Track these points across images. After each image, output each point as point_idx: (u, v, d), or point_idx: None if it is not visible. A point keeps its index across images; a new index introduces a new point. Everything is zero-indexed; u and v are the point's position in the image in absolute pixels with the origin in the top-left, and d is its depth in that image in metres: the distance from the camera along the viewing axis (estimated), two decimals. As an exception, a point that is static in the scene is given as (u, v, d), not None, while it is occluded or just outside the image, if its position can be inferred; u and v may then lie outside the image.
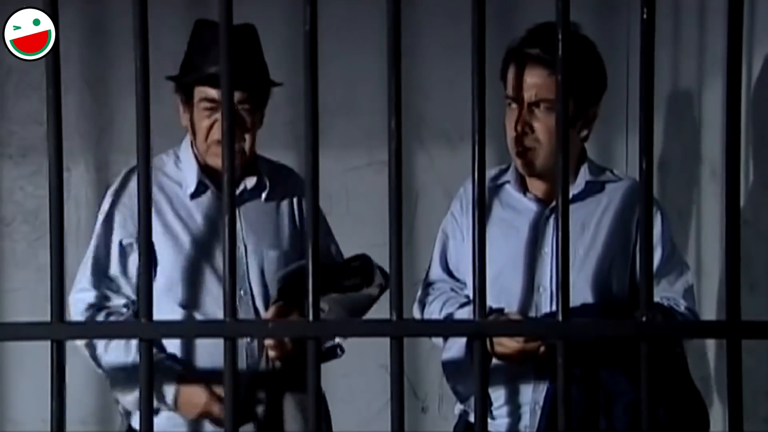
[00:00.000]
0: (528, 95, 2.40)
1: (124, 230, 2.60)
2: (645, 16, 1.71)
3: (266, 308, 2.57)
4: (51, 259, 1.72)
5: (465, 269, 2.56)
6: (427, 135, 3.96)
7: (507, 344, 2.33)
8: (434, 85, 3.87)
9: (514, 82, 2.42)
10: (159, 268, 2.57)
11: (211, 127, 2.55)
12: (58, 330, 1.71)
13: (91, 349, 2.57)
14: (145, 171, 1.72)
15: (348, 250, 2.77)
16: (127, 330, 1.92)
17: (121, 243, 2.60)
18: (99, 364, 2.59)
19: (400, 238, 1.72)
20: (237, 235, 2.54)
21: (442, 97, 3.86)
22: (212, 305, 2.55)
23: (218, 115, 2.47)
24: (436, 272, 2.63)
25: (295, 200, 2.70)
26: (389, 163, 1.71)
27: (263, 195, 2.67)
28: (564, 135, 1.72)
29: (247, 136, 2.57)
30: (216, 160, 2.53)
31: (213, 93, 2.51)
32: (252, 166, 2.66)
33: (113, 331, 2.02)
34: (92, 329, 2.05)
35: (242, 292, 2.60)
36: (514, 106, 2.42)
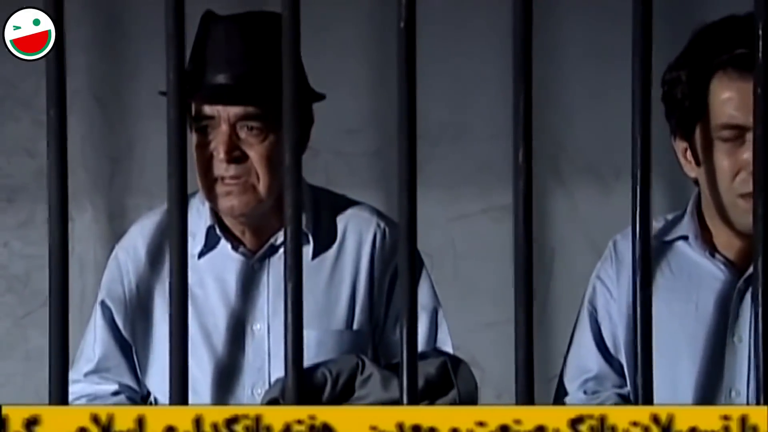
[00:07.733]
0: None
1: (108, 289, 2.62)
2: None
3: None
4: (50, 343, 1.75)
5: (625, 357, 2.54)
6: (568, 170, 3.96)
7: None
8: (578, 102, 3.87)
9: (745, 101, 2.32)
10: (156, 350, 2.59)
11: (207, 157, 2.48)
12: (59, 440, 1.75)
13: None
14: (179, 224, 1.75)
15: (453, 330, 2.76)
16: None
17: (103, 303, 2.62)
18: None
19: (531, 313, 1.72)
20: (255, 310, 2.57)
21: (589, 118, 3.86)
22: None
23: (216, 142, 2.43)
24: (594, 360, 2.58)
25: (364, 251, 2.66)
26: (514, 209, 1.73)
27: (308, 251, 2.58)
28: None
29: (260, 169, 2.48)
30: (220, 205, 2.49)
31: (207, 110, 2.45)
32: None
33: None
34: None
35: (258, 391, 2.57)
36: (732, 134, 2.34)
